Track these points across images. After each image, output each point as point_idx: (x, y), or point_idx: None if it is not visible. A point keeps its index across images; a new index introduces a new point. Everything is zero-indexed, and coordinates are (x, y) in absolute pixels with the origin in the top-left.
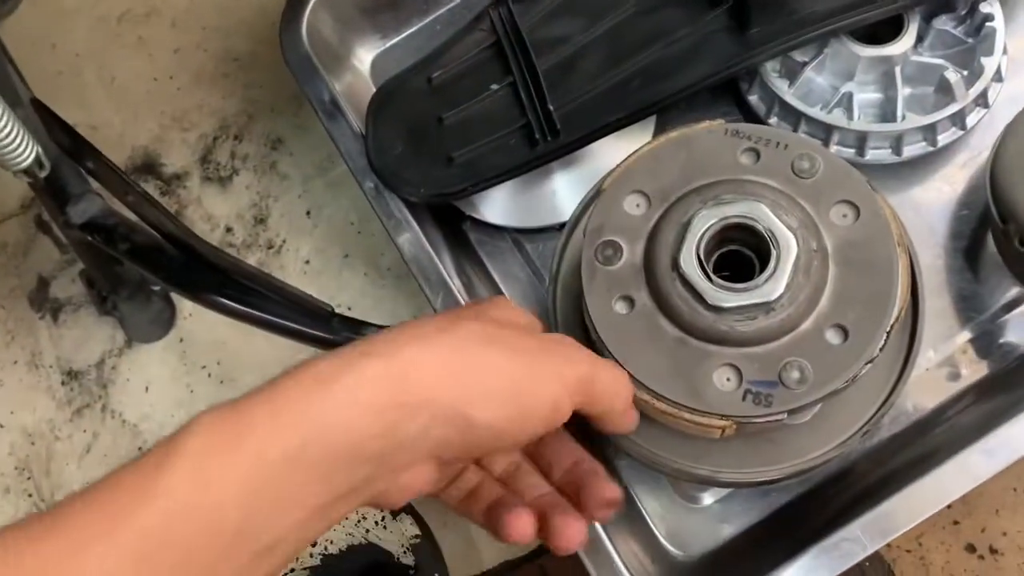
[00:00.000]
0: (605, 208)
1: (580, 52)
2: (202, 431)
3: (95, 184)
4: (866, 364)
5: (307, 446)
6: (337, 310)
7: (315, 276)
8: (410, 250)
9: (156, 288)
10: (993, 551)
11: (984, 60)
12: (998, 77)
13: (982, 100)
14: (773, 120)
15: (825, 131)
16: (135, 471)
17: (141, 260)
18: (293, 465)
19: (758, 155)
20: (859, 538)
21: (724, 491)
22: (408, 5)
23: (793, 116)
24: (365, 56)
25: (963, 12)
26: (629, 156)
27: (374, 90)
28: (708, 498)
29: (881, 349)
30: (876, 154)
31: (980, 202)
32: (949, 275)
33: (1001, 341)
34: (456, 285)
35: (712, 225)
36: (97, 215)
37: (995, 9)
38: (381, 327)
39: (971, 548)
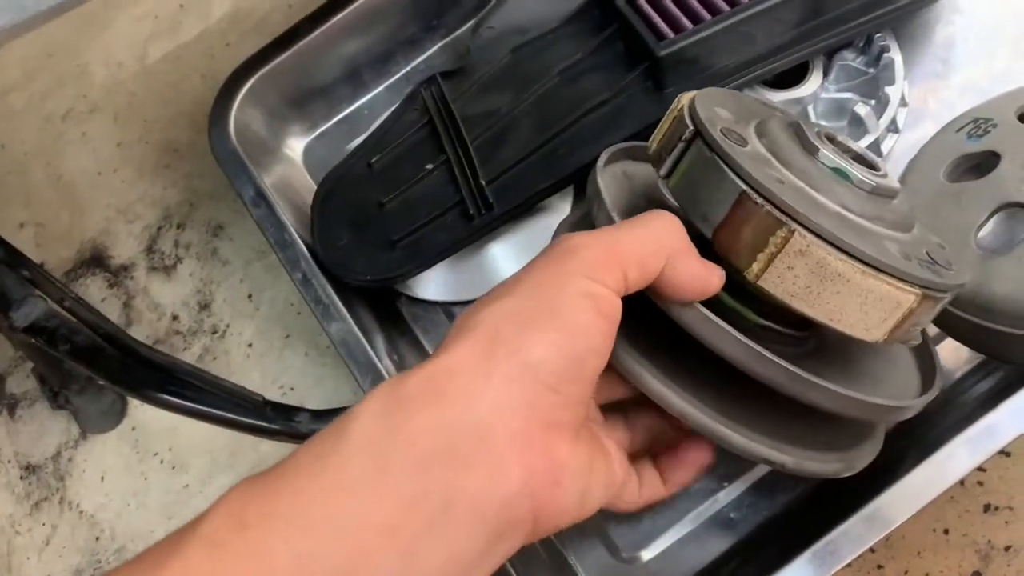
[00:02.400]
0: (707, 107)
1: (509, 124)
2: (222, 512)
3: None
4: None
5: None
6: (279, 390)
7: (258, 358)
8: (338, 335)
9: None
10: None
11: (888, 89)
12: (903, 103)
13: (893, 127)
14: None
15: None
16: (152, 554)
17: (82, 360)
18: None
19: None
20: None
21: (662, 546)
22: (335, 94)
23: None
24: (296, 145)
25: (861, 44)
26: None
27: (308, 176)
28: (646, 554)
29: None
30: None
31: None
32: None
33: None
34: (386, 365)
35: (821, 128)
36: (40, 317)
37: (890, 40)
38: (313, 411)
39: None
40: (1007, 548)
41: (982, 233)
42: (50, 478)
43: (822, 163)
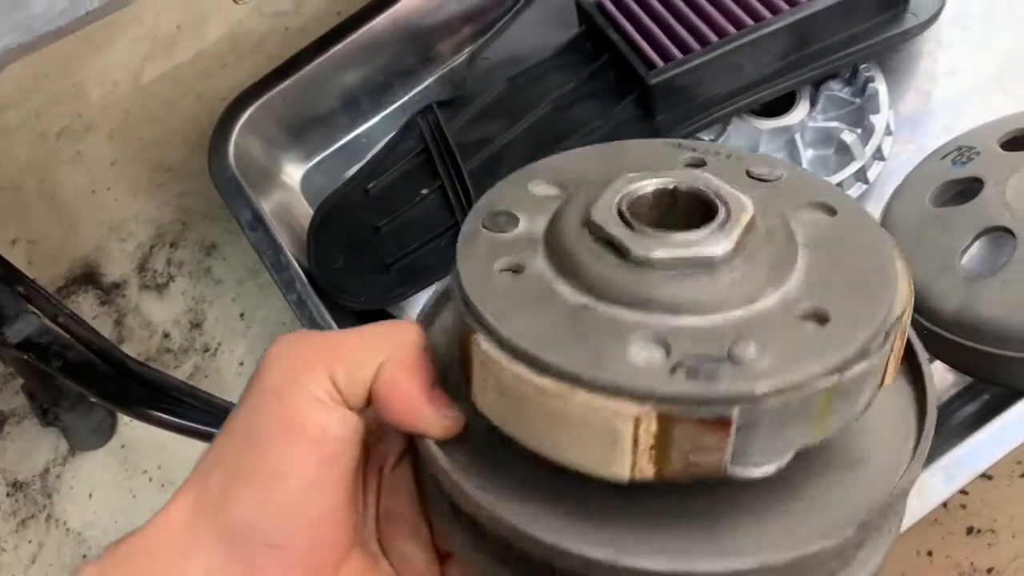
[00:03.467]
0: (504, 189)
1: (503, 151)
2: None
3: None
4: (854, 353)
5: None
6: None
7: (249, 377)
8: None
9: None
10: None
11: (873, 118)
12: (888, 131)
13: (879, 154)
14: None
15: None
16: None
17: (74, 376)
18: None
19: (703, 163)
20: None
21: None
22: (334, 123)
23: None
24: (294, 172)
25: (847, 75)
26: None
27: (305, 203)
28: None
29: (869, 343)
30: None
31: None
32: None
33: None
34: None
35: (637, 189)
36: (33, 334)
37: (875, 71)
38: None
39: None
40: (989, 570)
41: (967, 257)
42: (37, 495)
43: (595, 231)
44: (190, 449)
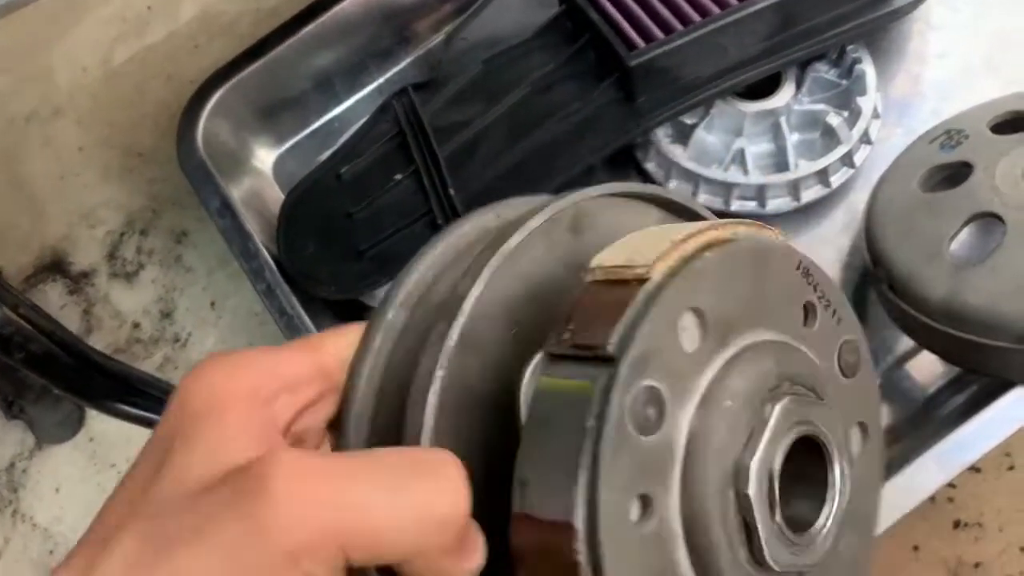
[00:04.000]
0: (656, 327)
1: (480, 135)
2: None
3: None
4: None
5: None
6: None
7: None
8: None
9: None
10: None
11: (860, 100)
12: (876, 114)
13: (866, 138)
14: (673, 184)
15: (725, 189)
16: None
17: (37, 368)
18: None
19: (814, 316)
20: None
21: None
22: (307, 106)
23: (691, 179)
24: (266, 157)
25: (833, 56)
26: (690, 233)
27: (277, 189)
28: None
29: None
30: (776, 203)
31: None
32: None
33: (896, 393)
34: None
35: (792, 430)
36: None
37: (863, 53)
38: None
39: None
40: (976, 565)
41: (955, 243)
42: (3, 489)
43: (742, 504)
44: None
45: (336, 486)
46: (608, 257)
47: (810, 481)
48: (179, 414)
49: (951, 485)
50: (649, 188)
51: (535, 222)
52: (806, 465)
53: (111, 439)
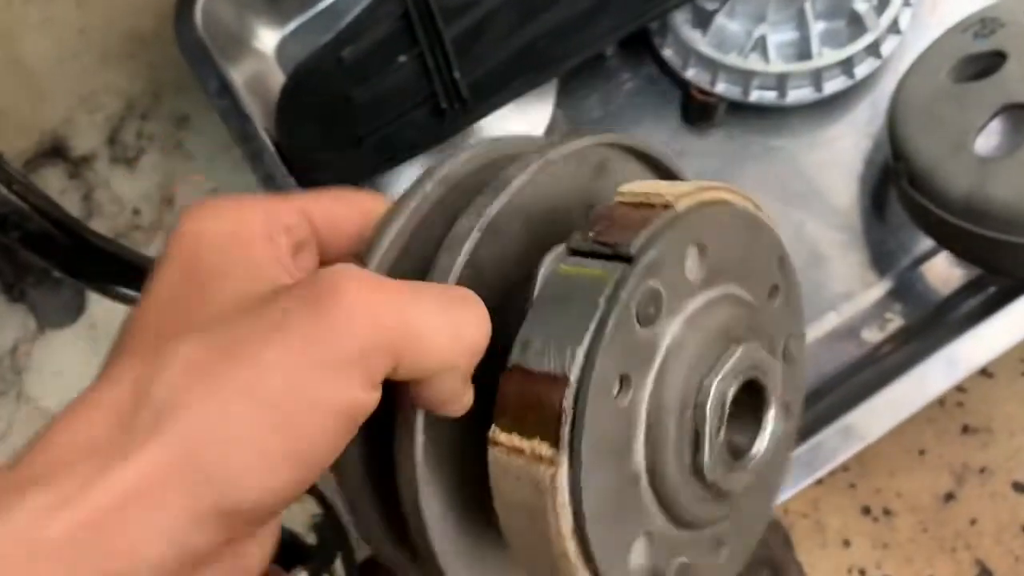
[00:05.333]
0: (670, 246)
1: (488, 16)
2: None
3: None
4: None
5: None
6: None
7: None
8: None
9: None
10: (887, 512)
11: None
12: (906, 2)
13: (894, 27)
14: (691, 72)
15: (744, 77)
16: None
17: (33, 248)
18: None
19: (777, 298)
20: None
21: None
22: None
23: (710, 66)
24: (268, 39)
25: None
26: (713, 186)
27: (280, 73)
28: None
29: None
30: (797, 94)
31: None
32: (859, 229)
33: (910, 296)
34: None
35: (747, 369)
36: None
37: None
38: None
39: (866, 510)
40: (982, 470)
41: (982, 136)
42: (7, 372)
43: (697, 412)
44: None
45: (400, 298)
46: (635, 187)
47: (746, 422)
48: (195, 252)
49: (961, 389)
50: (644, 145)
51: (578, 144)
52: (746, 408)
53: (113, 326)
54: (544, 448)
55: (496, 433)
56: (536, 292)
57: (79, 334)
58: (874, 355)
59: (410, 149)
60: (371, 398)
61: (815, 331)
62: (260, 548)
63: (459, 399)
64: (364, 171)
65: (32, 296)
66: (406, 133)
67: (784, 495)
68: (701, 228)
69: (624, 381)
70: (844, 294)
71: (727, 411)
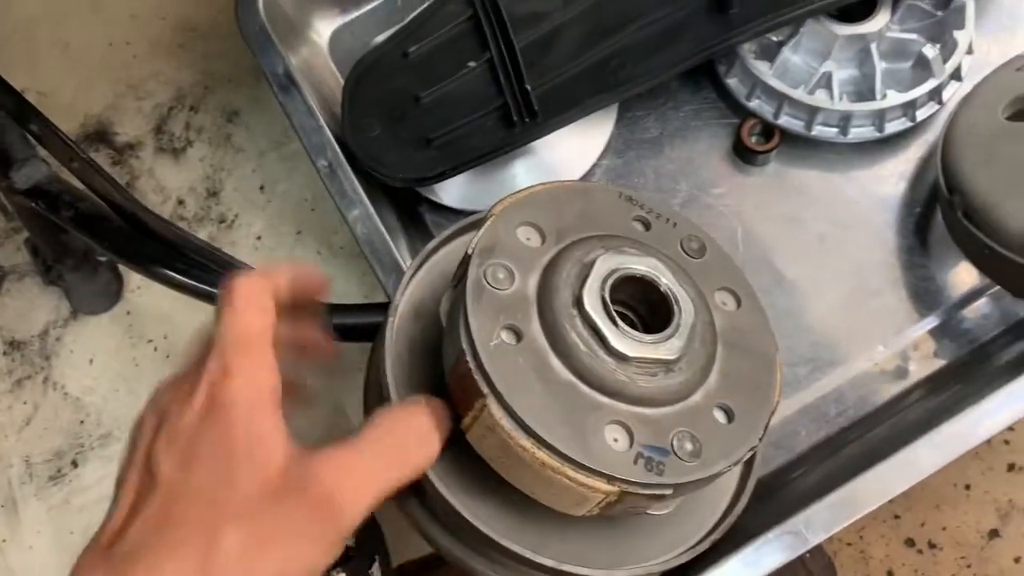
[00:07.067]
0: (496, 232)
1: (558, 30)
2: None
3: (41, 151)
4: (750, 450)
5: None
6: None
7: (267, 252)
8: (363, 231)
9: (103, 259)
10: (932, 545)
11: (956, 33)
12: (969, 50)
13: (957, 74)
14: (755, 103)
15: (809, 112)
16: None
17: (85, 229)
18: None
19: (648, 225)
20: (801, 532)
21: None
22: None
23: (775, 98)
24: (324, 30)
25: None
26: (520, 191)
27: (332, 64)
28: None
29: (760, 439)
30: (858, 132)
31: None
32: (906, 265)
33: (954, 335)
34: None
35: (616, 271)
36: (42, 180)
37: None
38: (328, 305)
39: (910, 542)
40: None
41: None
42: (35, 356)
43: (585, 318)
44: (197, 319)
45: (374, 478)
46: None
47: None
48: (227, 429)
49: (1009, 428)
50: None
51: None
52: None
53: (149, 314)
54: (479, 404)
55: (463, 423)
56: (444, 322)
57: (113, 321)
58: (918, 392)
59: (478, 156)
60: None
61: (861, 363)
62: None
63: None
64: (430, 173)
65: (69, 279)
66: (475, 140)
67: (834, 529)
68: (521, 212)
69: (515, 331)
70: (891, 328)
71: (609, 305)
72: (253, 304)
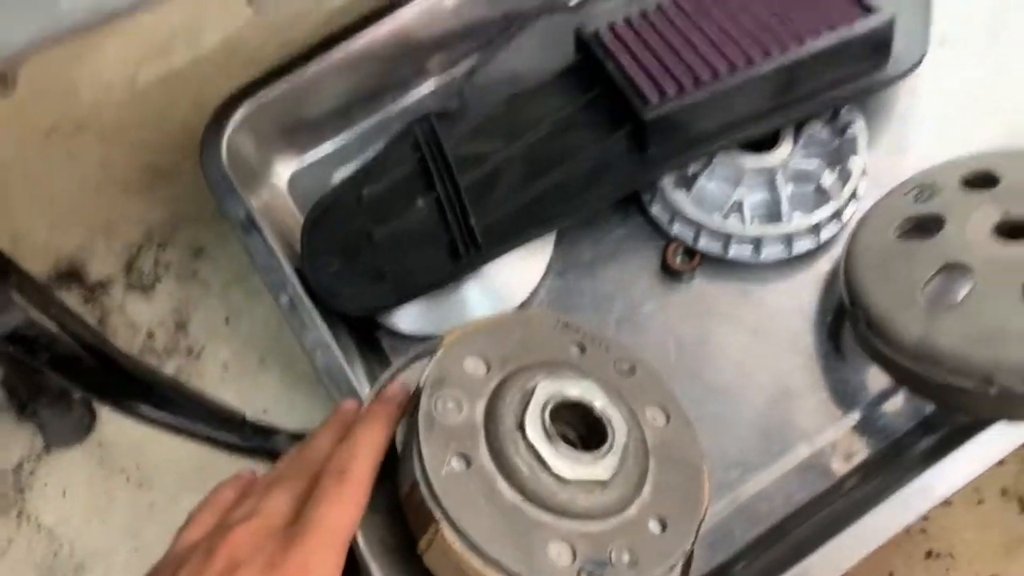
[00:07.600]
0: (445, 364)
1: (499, 169)
2: None
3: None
4: (684, 554)
5: None
6: (253, 413)
7: (233, 380)
8: (323, 361)
9: (77, 395)
10: None
11: (852, 159)
12: (864, 172)
13: (854, 195)
14: (676, 228)
15: (724, 237)
16: None
17: (61, 371)
18: None
19: (584, 349)
20: None
21: None
22: (325, 126)
23: (692, 226)
24: (283, 173)
25: (828, 116)
26: (467, 324)
27: (291, 204)
28: None
29: (693, 543)
30: (770, 252)
31: None
32: (824, 369)
33: (872, 431)
34: (366, 393)
35: (554, 396)
36: (20, 326)
37: (856, 114)
38: (291, 433)
39: None
40: None
41: (928, 289)
42: (9, 490)
43: (527, 443)
44: (168, 448)
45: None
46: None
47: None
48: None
49: (924, 517)
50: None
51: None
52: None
53: (120, 445)
54: (433, 528)
55: (420, 547)
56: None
57: (86, 452)
58: (842, 486)
59: (428, 286)
60: None
61: (788, 462)
62: None
63: None
64: (385, 304)
65: (43, 415)
66: (424, 272)
67: None
68: (468, 346)
69: (465, 458)
70: (814, 428)
71: (550, 429)
72: (386, 437)
